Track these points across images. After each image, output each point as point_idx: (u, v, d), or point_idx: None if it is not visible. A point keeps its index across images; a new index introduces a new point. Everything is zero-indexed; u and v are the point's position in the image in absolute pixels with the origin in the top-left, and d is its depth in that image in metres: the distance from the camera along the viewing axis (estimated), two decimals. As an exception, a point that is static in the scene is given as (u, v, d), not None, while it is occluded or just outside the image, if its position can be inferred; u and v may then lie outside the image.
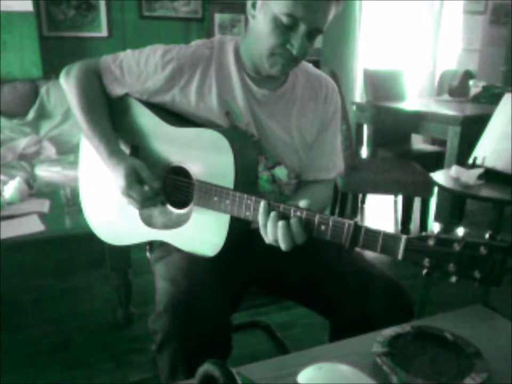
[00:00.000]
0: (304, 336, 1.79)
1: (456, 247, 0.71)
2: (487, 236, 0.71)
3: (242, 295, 1.08)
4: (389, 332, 0.79)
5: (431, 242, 0.73)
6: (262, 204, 0.87)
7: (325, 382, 0.66)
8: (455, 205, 2.31)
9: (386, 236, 0.77)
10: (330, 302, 1.03)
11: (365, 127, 3.20)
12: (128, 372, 1.60)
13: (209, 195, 0.97)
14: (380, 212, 3.33)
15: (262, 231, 0.89)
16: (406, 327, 0.81)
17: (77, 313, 1.92)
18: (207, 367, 0.62)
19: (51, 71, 2.97)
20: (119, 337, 1.79)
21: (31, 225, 1.66)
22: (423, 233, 0.74)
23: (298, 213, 0.85)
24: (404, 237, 0.75)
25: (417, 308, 1.78)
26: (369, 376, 0.67)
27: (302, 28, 0.91)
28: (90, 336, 1.79)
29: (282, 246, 0.85)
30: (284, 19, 0.91)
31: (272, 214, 0.86)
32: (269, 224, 0.86)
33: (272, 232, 0.86)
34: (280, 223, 0.84)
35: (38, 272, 1.73)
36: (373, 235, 0.78)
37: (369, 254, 0.94)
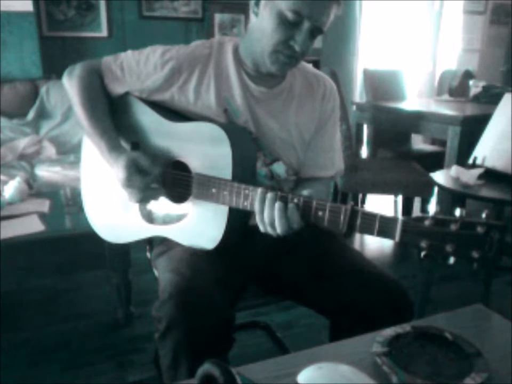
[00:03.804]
0: (304, 336, 1.78)
1: (453, 227, 0.71)
2: (483, 215, 0.70)
3: (241, 293, 1.08)
4: (389, 331, 0.79)
5: (427, 222, 0.72)
6: (259, 190, 0.88)
7: (325, 382, 0.66)
8: (455, 205, 2.31)
9: (383, 218, 0.77)
10: (331, 301, 1.03)
11: (365, 127, 3.19)
12: (128, 372, 1.60)
13: (207, 187, 0.97)
14: (380, 212, 3.32)
15: (258, 218, 0.89)
16: (406, 327, 0.81)
17: (77, 313, 1.92)
18: (207, 367, 0.61)
19: (51, 71, 2.97)
20: (119, 337, 1.79)
21: (31, 225, 1.66)
22: (420, 215, 0.74)
23: (295, 200, 0.85)
24: (400, 219, 0.75)
25: (417, 308, 1.78)
26: (369, 376, 0.67)
27: (306, 25, 0.94)
28: (90, 336, 1.79)
29: (279, 229, 0.86)
30: (289, 15, 0.93)
31: (269, 195, 0.86)
32: (266, 207, 0.87)
33: (269, 215, 0.86)
34: (277, 205, 0.85)
35: (38, 272, 1.73)
36: (369, 218, 0.79)
37: (369, 254, 0.94)
